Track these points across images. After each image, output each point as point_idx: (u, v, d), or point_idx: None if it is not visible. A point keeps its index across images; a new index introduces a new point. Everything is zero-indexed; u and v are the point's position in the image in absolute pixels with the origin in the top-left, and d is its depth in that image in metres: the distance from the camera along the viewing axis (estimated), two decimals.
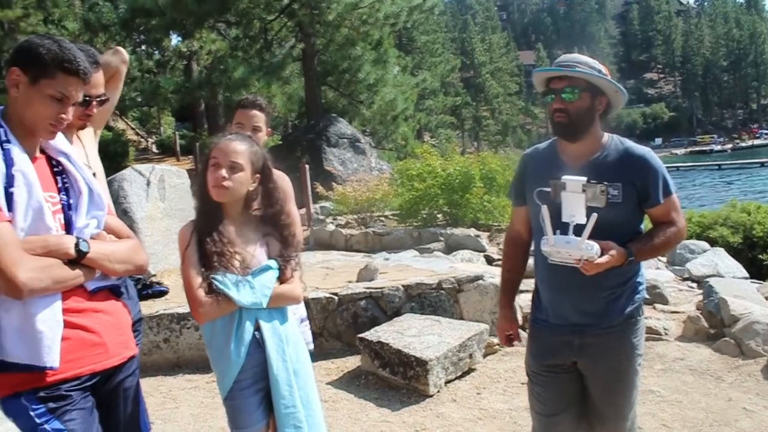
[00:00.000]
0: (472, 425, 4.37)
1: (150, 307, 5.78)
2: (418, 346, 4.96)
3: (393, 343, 5.02)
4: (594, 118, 2.60)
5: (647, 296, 2.89)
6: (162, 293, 7.18)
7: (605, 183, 2.46)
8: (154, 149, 34.49)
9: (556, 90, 2.57)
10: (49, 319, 2.01)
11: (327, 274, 7.37)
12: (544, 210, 2.43)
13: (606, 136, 2.66)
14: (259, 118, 3.59)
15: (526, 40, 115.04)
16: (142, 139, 36.37)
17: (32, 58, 2.07)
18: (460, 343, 5.10)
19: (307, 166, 14.65)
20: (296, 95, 23.25)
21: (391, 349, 4.99)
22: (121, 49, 3.22)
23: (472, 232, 10.96)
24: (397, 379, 4.97)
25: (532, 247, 2.90)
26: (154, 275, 7.16)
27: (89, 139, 3.07)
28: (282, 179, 3.57)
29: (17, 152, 2.06)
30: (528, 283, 7.23)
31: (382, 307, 5.97)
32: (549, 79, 2.62)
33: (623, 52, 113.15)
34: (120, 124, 36.39)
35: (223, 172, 2.50)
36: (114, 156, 24.12)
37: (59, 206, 2.16)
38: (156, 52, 30.60)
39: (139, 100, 25.57)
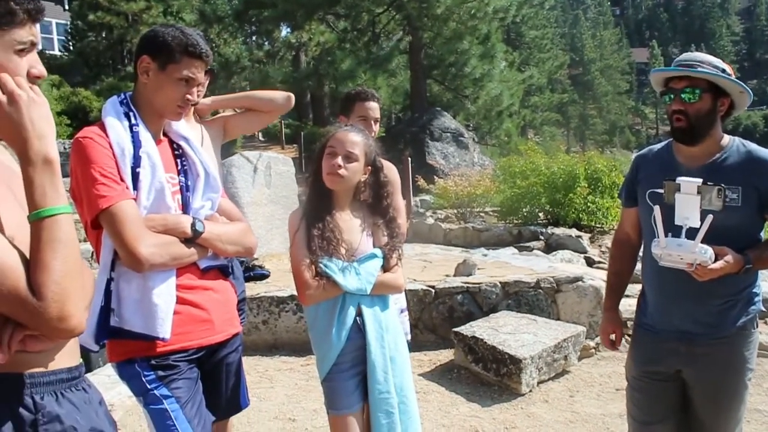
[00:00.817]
0: (563, 428, 4.31)
1: (251, 289, 5.97)
2: (513, 344, 4.92)
3: (488, 339, 5.00)
4: (715, 120, 2.47)
5: (763, 308, 2.73)
6: (263, 276, 7.41)
7: (723, 185, 2.35)
8: (260, 137, 35.41)
9: (676, 90, 2.45)
10: (164, 294, 2.14)
11: (425, 266, 7.41)
12: (657, 211, 2.34)
13: (726, 138, 2.53)
14: (377, 110, 3.63)
15: (640, 36, 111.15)
16: None
17: (159, 45, 2.23)
18: (555, 344, 5.03)
19: (409, 158, 14.72)
20: (402, 88, 23.39)
21: (486, 345, 4.97)
22: (292, 98, 3.35)
23: (574, 232, 10.78)
24: (490, 376, 4.95)
25: (641, 251, 2.82)
26: (257, 259, 7.40)
27: (215, 140, 3.23)
28: (390, 170, 3.62)
29: (144, 135, 2.21)
30: (630, 288, 7.03)
31: (479, 302, 5.95)
32: (668, 78, 2.50)
33: (746, 49, 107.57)
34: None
35: (339, 161, 2.57)
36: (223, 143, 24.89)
37: (178, 187, 2.31)
38: (266, 43, 31.42)
39: (248, 89, 26.38)
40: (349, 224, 2.68)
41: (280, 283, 6.27)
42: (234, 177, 7.73)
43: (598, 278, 5.97)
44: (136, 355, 2.18)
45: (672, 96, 2.47)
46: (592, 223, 11.65)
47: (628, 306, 6.24)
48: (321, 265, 2.55)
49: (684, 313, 2.56)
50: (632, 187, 2.77)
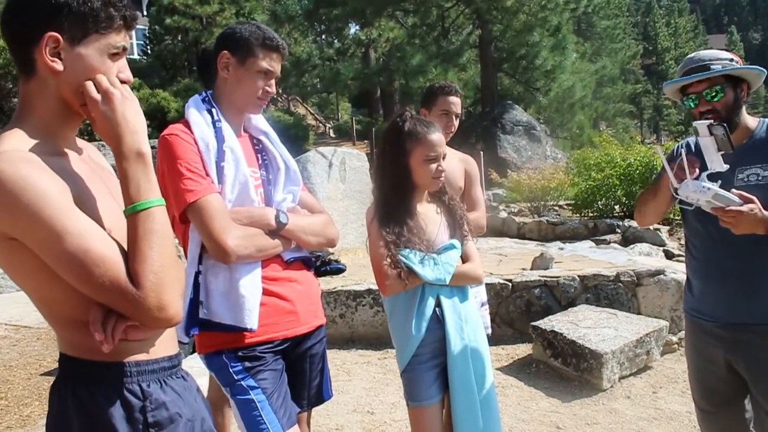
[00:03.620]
0: (646, 425, 4.22)
1: (328, 284, 6.05)
2: (593, 338, 4.85)
3: (567, 334, 4.94)
4: (740, 106, 2.51)
5: None
6: (339, 270, 7.53)
7: (725, 126, 2.27)
8: (332, 134, 35.84)
9: (698, 93, 2.48)
10: (251, 285, 2.19)
11: (500, 260, 7.37)
12: (661, 156, 2.44)
13: (754, 121, 2.55)
14: (459, 105, 3.62)
15: (717, 23, 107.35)
16: (320, 124, 37.87)
17: (238, 40, 2.31)
18: (637, 339, 4.92)
19: (481, 152, 14.66)
20: (472, 82, 23.27)
21: (565, 340, 4.91)
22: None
23: (652, 225, 10.54)
24: (569, 371, 4.89)
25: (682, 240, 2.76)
26: (332, 253, 7.49)
27: None
28: (469, 163, 3.62)
29: (227, 130, 2.28)
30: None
31: (557, 296, 5.89)
32: (684, 85, 2.53)
33: None
34: (300, 110, 38.14)
35: (442, 165, 2.62)
36: (294, 139, 25.32)
37: (260, 181, 2.36)
38: (336, 40, 31.72)
39: (319, 87, 26.68)
40: (427, 216, 2.69)
41: (357, 277, 6.33)
42: (309, 173, 7.84)
43: (680, 271, 5.82)
44: (223, 346, 2.23)
45: (695, 99, 2.50)
46: (671, 216, 11.35)
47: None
48: (400, 256, 2.56)
49: (728, 299, 2.51)
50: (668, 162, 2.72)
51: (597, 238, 10.48)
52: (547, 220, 12.12)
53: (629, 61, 50.87)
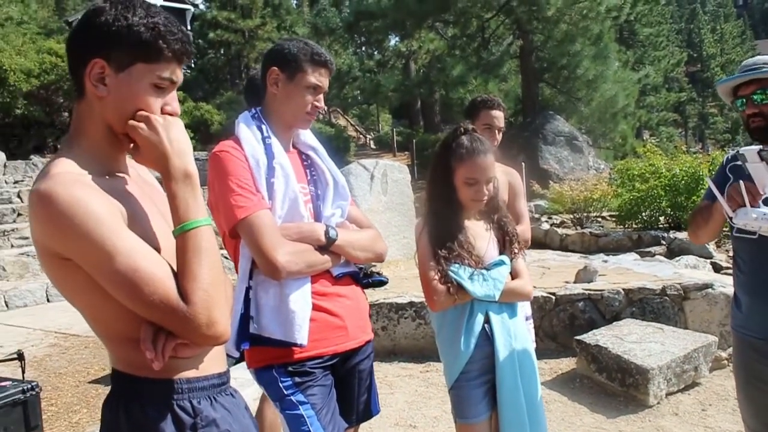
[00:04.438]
0: None
1: (370, 296, 6.04)
2: (639, 353, 4.78)
3: (612, 348, 4.88)
4: None
5: None
6: (382, 283, 7.48)
7: None
8: (372, 145, 35.98)
9: (746, 95, 2.46)
10: (301, 300, 2.21)
11: (543, 273, 7.31)
12: (710, 183, 2.38)
13: None
14: (502, 119, 3.62)
15: (766, 27, 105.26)
16: (361, 135, 38.07)
17: (287, 56, 2.35)
18: (684, 354, 4.83)
19: (522, 163, 14.59)
20: (513, 92, 23.19)
21: (610, 354, 4.85)
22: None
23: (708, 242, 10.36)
24: (614, 386, 4.82)
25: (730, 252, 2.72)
26: (374, 265, 7.53)
27: None
28: (512, 176, 3.62)
29: (277, 147, 2.31)
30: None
31: (601, 310, 5.82)
32: (737, 86, 2.51)
33: None
34: (341, 121, 38.39)
35: (485, 190, 2.60)
36: (336, 151, 25.51)
37: (309, 197, 2.39)
38: (376, 52, 31.94)
39: (360, 98, 26.83)
40: (476, 231, 2.69)
41: (399, 290, 6.33)
42: (351, 185, 7.89)
43: (728, 285, 5.70)
44: (273, 361, 2.26)
45: (744, 101, 2.47)
46: None
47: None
48: (450, 272, 2.56)
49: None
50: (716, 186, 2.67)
51: (641, 250, 10.33)
52: (590, 232, 12.00)
53: (673, 69, 50.16)
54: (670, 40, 57.11)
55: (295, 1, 42.59)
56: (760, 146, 2.27)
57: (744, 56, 79.53)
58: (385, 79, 23.37)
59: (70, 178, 1.36)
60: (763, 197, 2.27)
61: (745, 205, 2.28)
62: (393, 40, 29.82)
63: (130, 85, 1.45)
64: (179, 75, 1.52)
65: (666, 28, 55.77)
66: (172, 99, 1.52)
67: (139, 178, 1.64)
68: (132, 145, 1.50)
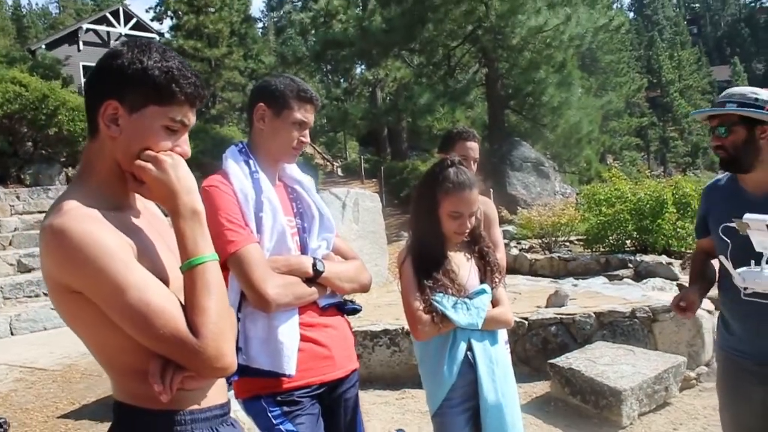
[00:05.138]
0: None
1: None
2: (611, 375, 4.87)
3: (585, 371, 4.97)
4: (758, 146, 2.52)
5: None
6: (355, 311, 7.43)
7: None
8: (340, 172, 36.02)
9: (712, 128, 2.59)
10: (289, 332, 2.26)
11: (515, 298, 7.39)
12: (722, 259, 2.47)
13: None
14: (477, 150, 3.71)
15: (720, 54, 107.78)
16: (328, 163, 38.13)
17: (274, 92, 2.41)
18: (655, 375, 4.94)
19: (491, 190, 14.74)
20: (480, 119, 23.45)
21: (583, 377, 4.94)
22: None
23: (664, 259, 10.58)
24: (588, 408, 4.90)
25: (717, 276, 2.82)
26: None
27: None
28: (487, 205, 3.71)
29: (264, 181, 2.37)
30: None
31: (573, 333, 5.91)
32: (709, 117, 2.63)
33: None
34: (308, 149, 38.43)
35: (467, 223, 2.68)
36: None
37: (296, 229, 2.44)
38: (343, 80, 32.20)
39: (327, 126, 26.98)
40: (458, 261, 2.75)
41: (372, 318, 6.36)
42: None
43: None
44: (262, 391, 2.29)
45: (710, 132, 2.61)
46: (683, 249, 11.39)
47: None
48: (434, 301, 2.61)
49: (760, 334, 2.55)
50: (703, 222, 2.83)
51: (610, 273, 10.50)
52: (558, 256, 12.17)
53: (634, 95, 51.23)
54: (630, 66, 58.35)
55: (260, 30, 42.89)
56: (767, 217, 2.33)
57: (701, 82, 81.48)
58: (352, 107, 23.55)
59: (82, 214, 1.40)
60: (766, 256, 2.33)
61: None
62: (359, 69, 30.10)
63: (142, 126, 1.49)
64: (192, 118, 1.57)
65: (626, 55, 57.02)
66: (184, 141, 1.57)
67: (147, 211, 1.68)
68: (139, 182, 1.54)
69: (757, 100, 2.50)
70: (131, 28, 39.55)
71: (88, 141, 1.55)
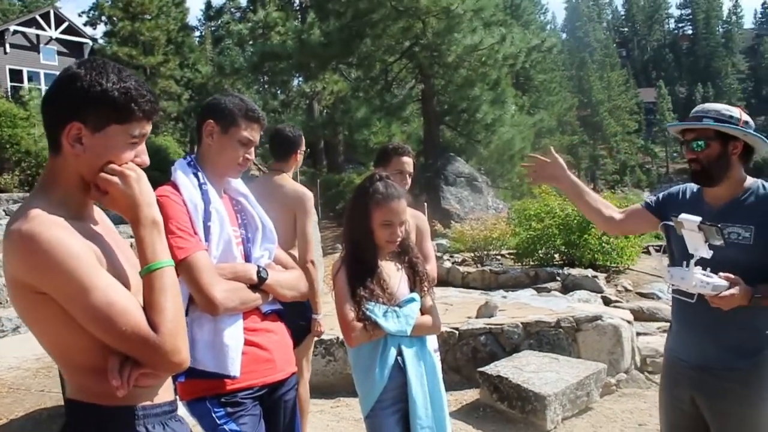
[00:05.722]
0: None
1: None
2: (537, 382, 5.10)
3: (512, 378, 5.19)
4: (730, 162, 2.65)
5: None
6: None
7: (720, 225, 2.49)
8: None
9: (688, 141, 2.72)
10: (234, 335, 2.40)
11: (447, 309, 7.59)
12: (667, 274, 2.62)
13: (750, 180, 2.72)
14: (411, 164, 3.91)
15: (647, 77, 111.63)
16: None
17: (223, 110, 2.56)
18: (578, 381, 5.20)
19: (425, 203, 14.95)
20: (415, 134, 23.74)
21: (510, 384, 5.16)
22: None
23: (590, 272, 10.93)
24: (515, 413, 5.12)
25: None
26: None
27: None
28: (419, 218, 3.89)
29: (212, 193, 2.50)
30: (647, 326, 7.16)
31: (501, 343, 6.14)
32: (683, 130, 2.77)
33: (753, 87, 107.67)
34: None
35: (398, 232, 2.85)
36: None
37: (240, 239, 2.58)
38: (280, 92, 32.08)
39: (263, 138, 26.84)
40: (389, 270, 2.92)
41: None
42: None
43: (617, 317, 6.16)
44: (206, 393, 2.41)
45: (685, 146, 2.75)
46: (608, 263, 11.79)
47: (647, 344, 6.43)
48: (365, 310, 2.78)
49: (700, 343, 2.71)
50: (663, 202, 2.98)
51: (538, 285, 10.78)
52: (490, 269, 12.41)
53: (566, 113, 52.40)
54: (562, 86, 59.79)
55: (198, 39, 42.41)
56: (700, 218, 2.50)
57: (629, 102, 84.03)
58: (289, 119, 23.52)
59: (50, 221, 1.52)
60: (697, 258, 2.50)
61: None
62: (297, 81, 30.09)
63: (105, 144, 1.62)
64: (149, 129, 1.71)
65: (558, 75, 58.48)
66: (142, 152, 1.71)
67: (103, 222, 1.80)
68: (102, 192, 1.66)
69: (731, 117, 2.65)
70: (62, 32, 38.61)
71: (51, 157, 1.65)
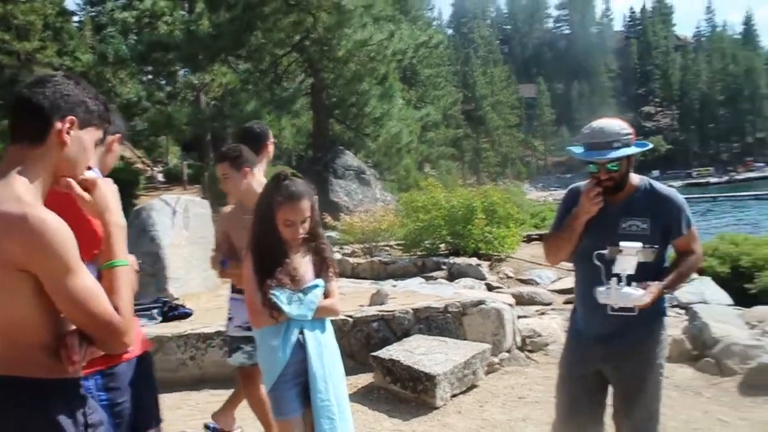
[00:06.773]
0: None
1: (177, 328, 6.24)
2: (427, 363, 5.40)
3: (404, 360, 5.47)
4: (630, 171, 3.07)
5: (669, 314, 3.42)
6: (187, 315, 7.53)
7: (647, 246, 2.91)
8: (160, 178, 34.94)
9: (601, 164, 2.97)
10: None
11: (340, 298, 7.81)
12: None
13: (637, 178, 3.12)
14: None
15: (527, 73, 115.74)
16: (148, 168, 36.85)
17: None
18: (464, 361, 5.54)
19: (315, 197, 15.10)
20: (305, 128, 23.88)
21: (402, 366, 5.44)
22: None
23: (474, 261, 11.37)
24: (407, 393, 5.40)
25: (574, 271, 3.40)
26: (178, 299, 7.62)
27: None
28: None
29: None
30: (527, 310, 7.66)
31: (393, 328, 6.42)
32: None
33: (622, 85, 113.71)
34: (128, 153, 36.98)
35: (300, 230, 3.07)
36: (124, 185, 24.59)
37: None
38: (166, 83, 31.29)
39: (147, 131, 26.17)
40: (296, 257, 3.15)
41: (204, 321, 6.49)
42: (154, 220, 7.99)
43: (499, 301, 6.56)
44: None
45: (597, 167, 3.02)
46: (490, 252, 12.28)
47: (526, 326, 6.91)
48: (271, 295, 3.00)
49: (601, 321, 3.11)
50: (562, 220, 3.28)
51: (426, 274, 11.11)
52: (379, 260, 12.70)
53: (451, 108, 53.52)
54: (448, 80, 61.02)
55: (77, 25, 40.62)
56: (640, 244, 2.87)
57: (510, 98, 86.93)
58: (175, 112, 23.09)
59: (37, 204, 1.71)
60: (624, 275, 2.88)
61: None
62: (183, 72, 29.43)
63: (84, 140, 1.87)
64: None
65: (444, 70, 59.65)
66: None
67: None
68: (66, 186, 1.91)
69: (628, 134, 2.99)
70: None
71: (28, 147, 1.79)
